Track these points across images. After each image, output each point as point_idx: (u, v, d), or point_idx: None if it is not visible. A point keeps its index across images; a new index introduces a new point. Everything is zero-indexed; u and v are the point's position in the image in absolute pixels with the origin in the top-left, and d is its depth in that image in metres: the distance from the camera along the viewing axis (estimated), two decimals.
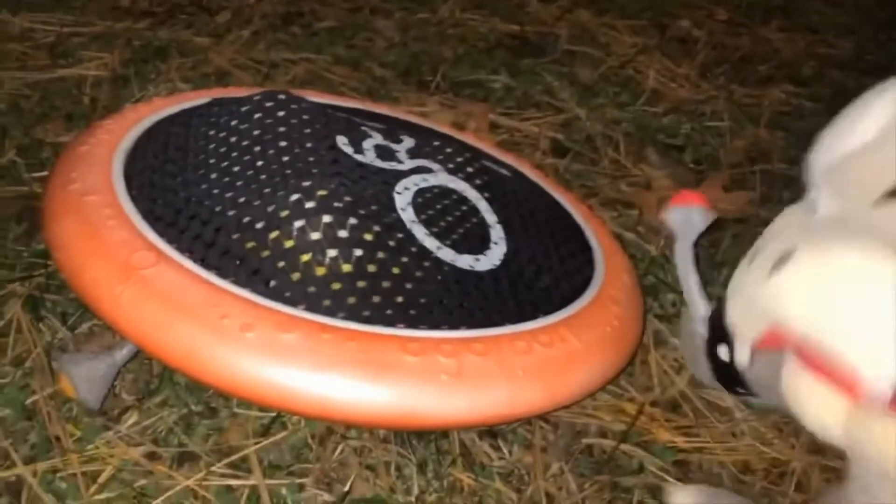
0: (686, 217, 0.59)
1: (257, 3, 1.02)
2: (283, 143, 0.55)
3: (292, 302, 0.46)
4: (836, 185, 0.48)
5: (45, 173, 0.72)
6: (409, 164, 0.60)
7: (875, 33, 1.09)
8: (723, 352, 0.57)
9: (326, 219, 0.49)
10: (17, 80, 0.84)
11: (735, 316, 0.52)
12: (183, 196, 0.52)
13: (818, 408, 0.47)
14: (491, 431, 0.56)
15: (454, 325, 0.47)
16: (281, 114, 0.57)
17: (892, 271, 0.42)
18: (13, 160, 0.73)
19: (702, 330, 0.58)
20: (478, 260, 0.53)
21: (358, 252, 0.48)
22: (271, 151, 0.54)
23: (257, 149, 0.54)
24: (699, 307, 0.58)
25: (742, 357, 0.52)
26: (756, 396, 0.59)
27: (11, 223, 0.67)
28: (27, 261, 0.63)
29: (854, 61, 1.04)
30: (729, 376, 0.57)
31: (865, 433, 0.45)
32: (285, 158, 0.53)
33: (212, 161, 0.55)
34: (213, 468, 0.51)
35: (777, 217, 0.53)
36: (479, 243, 0.55)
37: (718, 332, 0.57)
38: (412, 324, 0.47)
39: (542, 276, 0.55)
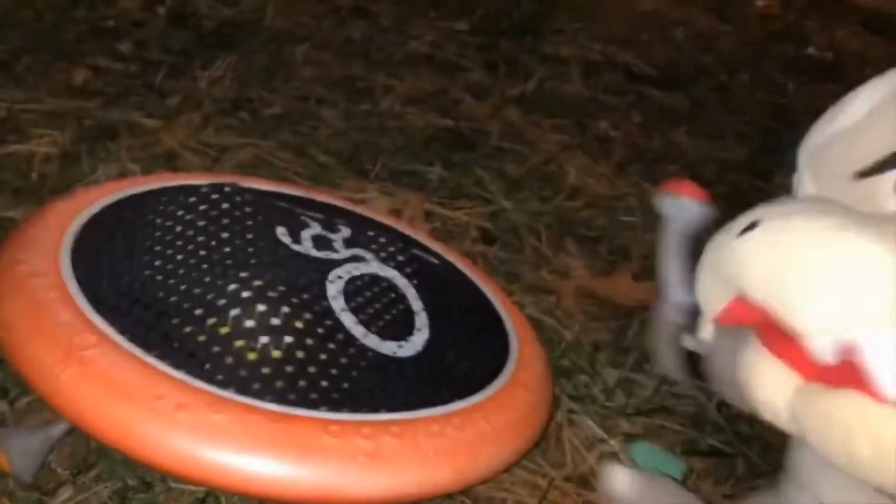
0: (679, 209, 0.58)
1: (208, 87, 1.08)
2: (225, 235, 0.59)
3: (224, 384, 0.50)
4: (815, 167, 0.48)
5: None
6: (344, 253, 0.66)
7: (766, 140, 1.21)
8: (690, 342, 0.58)
9: (261, 307, 0.53)
10: None
11: (703, 288, 0.51)
12: (127, 280, 0.56)
13: (768, 388, 0.47)
14: None
15: (374, 409, 0.52)
16: (225, 206, 0.62)
17: (848, 241, 0.42)
18: None
19: (672, 316, 0.60)
20: (401, 346, 0.58)
21: (288, 339, 0.53)
22: (214, 242, 0.59)
23: (201, 239, 0.59)
24: (671, 292, 0.60)
25: (705, 334, 0.53)
26: (714, 389, 0.60)
27: None
28: None
29: (748, 165, 1.16)
30: (692, 367, 0.59)
31: (808, 412, 0.45)
32: (227, 249, 0.58)
33: (157, 248, 0.59)
34: None
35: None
36: (403, 330, 0.60)
37: (690, 320, 0.58)
38: (335, 407, 0.51)
39: (460, 362, 0.61)
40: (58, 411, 0.51)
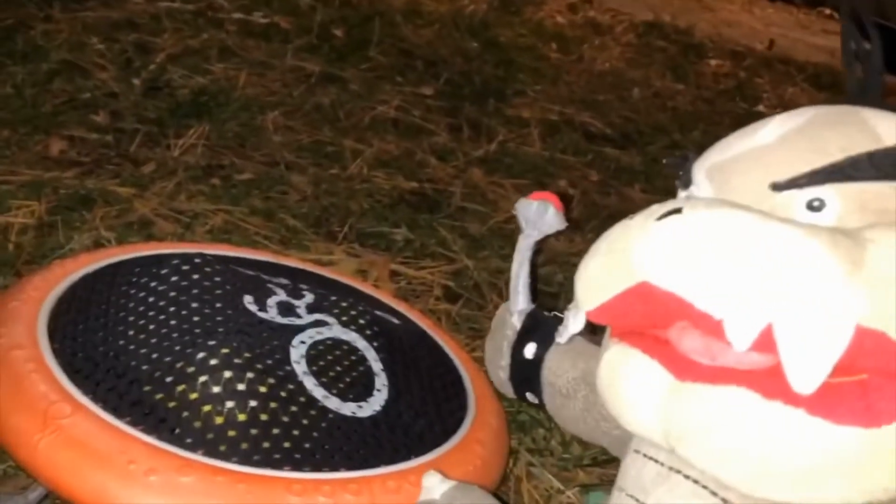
0: (540, 213, 0.60)
1: (181, 155, 1.12)
2: (195, 304, 0.63)
3: (192, 447, 0.54)
4: (722, 179, 0.48)
5: None
6: (307, 318, 0.69)
7: None
8: (529, 350, 0.61)
9: (227, 374, 0.57)
10: None
11: (592, 273, 0.47)
12: (102, 350, 0.60)
13: (637, 388, 0.46)
14: None
15: (334, 468, 0.55)
16: (195, 276, 0.66)
17: (778, 229, 0.41)
18: None
19: (516, 323, 0.62)
20: (360, 407, 0.62)
21: (252, 403, 0.56)
22: (184, 312, 0.62)
23: (172, 309, 0.63)
24: (520, 301, 0.62)
25: (574, 326, 0.51)
26: (541, 403, 0.62)
27: None
28: None
29: None
30: (525, 377, 0.61)
31: (689, 410, 0.43)
32: (196, 318, 0.62)
33: (130, 319, 0.62)
34: None
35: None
36: (363, 391, 0.64)
37: (532, 329, 0.61)
38: (297, 467, 0.54)
39: (417, 421, 0.64)
40: (36, 478, 0.53)
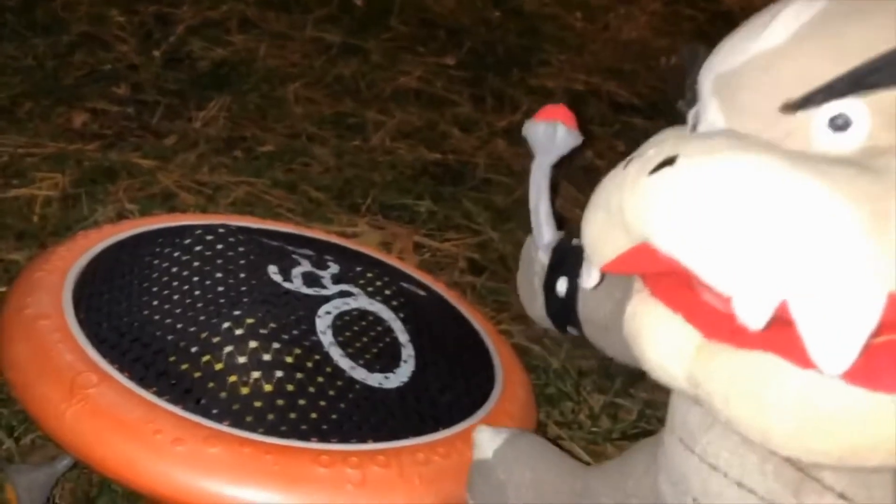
0: (550, 134, 0.53)
1: (203, 127, 1.11)
2: (219, 275, 0.62)
3: (218, 418, 0.53)
4: (726, 95, 0.39)
5: None
6: (332, 289, 0.69)
7: None
8: (561, 286, 0.55)
9: (252, 344, 0.56)
10: None
11: (593, 230, 0.42)
12: (127, 321, 0.59)
13: (662, 347, 0.40)
14: None
15: (362, 439, 0.55)
16: (219, 246, 0.65)
17: (792, 183, 0.34)
18: None
19: (543, 258, 0.57)
20: (387, 378, 0.61)
21: (279, 373, 0.55)
22: (208, 282, 0.62)
23: (196, 279, 0.62)
24: (545, 233, 0.56)
25: (590, 281, 0.45)
26: (585, 337, 0.58)
27: None
28: None
29: None
30: (562, 313, 0.56)
31: (714, 376, 0.38)
32: (220, 288, 0.61)
33: (155, 289, 0.62)
34: None
35: (654, 136, 0.44)
36: (389, 362, 0.63)
37: (561, 262, 0.55)
38: (324, 438, 0.54)
39: (445, 393, 0.63)
40: (63, 447, 0.53)
